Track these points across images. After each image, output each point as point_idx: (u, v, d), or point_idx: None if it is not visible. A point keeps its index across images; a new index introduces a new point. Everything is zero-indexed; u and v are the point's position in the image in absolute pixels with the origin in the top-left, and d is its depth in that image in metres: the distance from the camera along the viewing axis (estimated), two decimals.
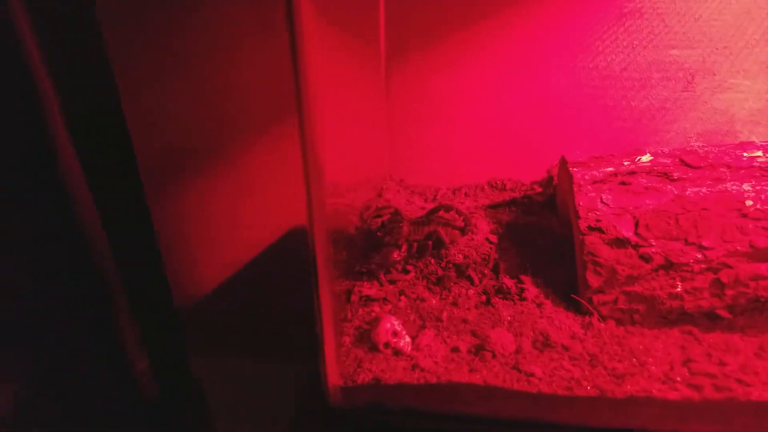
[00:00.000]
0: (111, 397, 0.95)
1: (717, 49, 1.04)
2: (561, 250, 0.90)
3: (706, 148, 0.85)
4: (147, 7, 1.06)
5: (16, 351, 0.86)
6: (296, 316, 0.79)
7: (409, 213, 1.03)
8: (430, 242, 0.90)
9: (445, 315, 0.79)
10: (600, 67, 1.08)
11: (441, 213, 0.96)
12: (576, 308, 0.81)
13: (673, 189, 0.81)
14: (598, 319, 0.78)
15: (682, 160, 0.84)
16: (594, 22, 1.05)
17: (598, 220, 0.79)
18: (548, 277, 0.86)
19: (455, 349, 0.74)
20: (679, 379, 0.70)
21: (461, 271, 0.88)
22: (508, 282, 0.84)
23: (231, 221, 1.26)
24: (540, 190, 1.08)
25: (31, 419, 0.88)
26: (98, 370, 0.92)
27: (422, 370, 0.71)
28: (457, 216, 0.95)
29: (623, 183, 0.82)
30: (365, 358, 0.73)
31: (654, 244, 0.78)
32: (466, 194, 1.12)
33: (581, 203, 0.81)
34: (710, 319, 0.79)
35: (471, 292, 0.85)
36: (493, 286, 0.85)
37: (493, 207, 1.04)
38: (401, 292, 0.85)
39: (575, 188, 0.83)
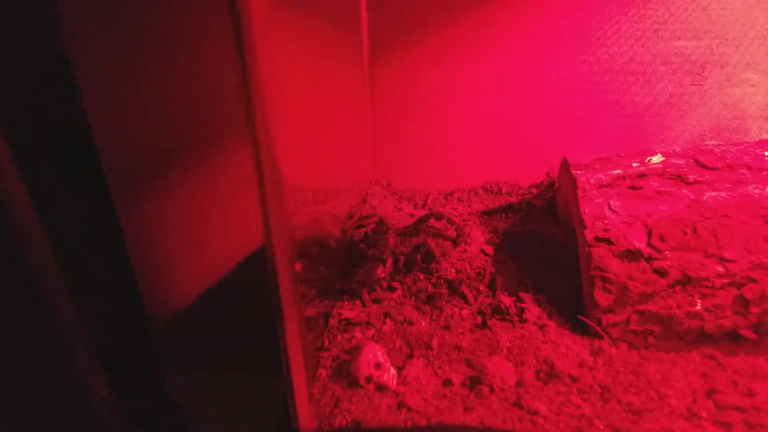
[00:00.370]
0: None
1: (726, 40, 0.97)
2: (564, 261, 0.81)
3: (722, 147, 0.76)
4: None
5: None
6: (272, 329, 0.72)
7: (396, 221, 0.94)
8: (418, 255, 0.81)
9: (435, 341, 0.70)
10: (602, 60, 1.01)
11: (431, 222, 0.86)
12: (583, 330, 0.72)
13: (689, 193, 0.72)
14: (609, 344, 0.69)
15: (697, 161, 0.75)
16: (595, 11, 0.97)
17: (606, 230, 0.71)
18: (551, 293, 0.77)
19: (447, 383, 0.65)
20: (704, 414, 0.61)
21: (454, 288, 0.79)
22: (507, 300, 0.75)
23: (206, 232, 1.17)
24: (539, 193, 0.99)
25: None
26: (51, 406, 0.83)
27: (409, 409, 0.61)
28: (448, 225, 0.86)
29: (633, 187, 0.74)
30: (344, 395, 0.64)
31: (669, 256, 0.69)
32: (459, 199, 1.03)
33: (587, 210, 0.72)
34: (732, 340, 0.70)
35: (465, 312, 0.76)
36: (490, 304, 0.76)
37: (489, 213, 0.95)
38: (386, 314, 0.75)
39: (579, 193, 0.74)
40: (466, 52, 1.02)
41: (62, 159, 0.82)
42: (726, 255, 0.68)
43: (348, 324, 0.74)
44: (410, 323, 0.74)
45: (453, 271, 0.80)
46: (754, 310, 0.68)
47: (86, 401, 0.83)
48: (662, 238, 0.69)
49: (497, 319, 0.74)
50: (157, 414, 1.02)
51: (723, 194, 0.71)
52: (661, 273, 0.69)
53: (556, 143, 1.04)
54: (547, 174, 1.00)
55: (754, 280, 0.68)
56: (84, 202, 0.87)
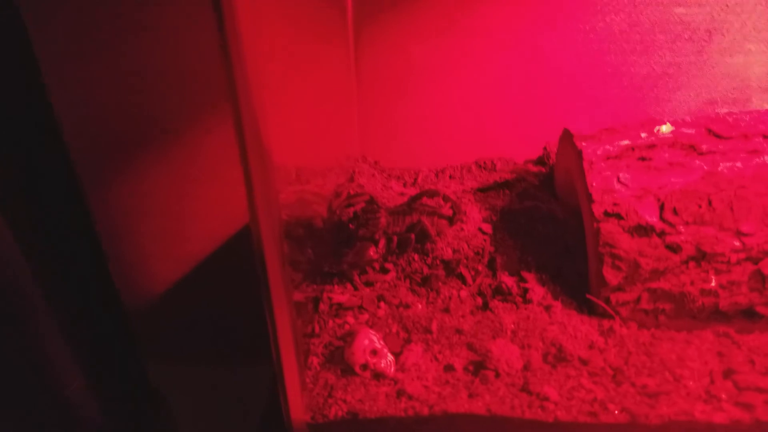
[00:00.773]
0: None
1: (727, 6, 0.93)
2: (566, 238, 0.76)
3: (735, 115, 0.72)
4: None
5: None
6: (261, 313, 0.67)
7: (386, 201, 0.88)
8: (412, 235, 0.76)
9: (434, 325, 0.65)
10: (598, 29, 0.96)
11: (425, 200, 0.81)
12: (590, 310, 0.68)
13: (703, 164, 0.67)
14: (620, 324, 0.65)
15: (709, 130, 0.70)
16: None
17: (615, 204, 0.66)
18: (555, 272, 0.73)
19: (449, 368, 0.60)
20: (724, 396, 0.57)
21: (451, 269, 0.74)
22: (508, 280, 0.71)
23: (184, 214, 1.11)
24: (535, 169, 0.95)
25: None
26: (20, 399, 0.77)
27: (410, 397, 0.57)
28: (443, 203, 0.81)
29: (642, 158, 0.69)
30: (338, 384, 0.59)
31: (683, 231, 0.65)
32: (451, 177, 0.98)
33: (594, 184, 0.67)
34: (747, 317, 0.67)
35: (464, 293, 0.71)
36: (490, 285, 0.71)
37: (484, 190, 0.90)
38: (380, 298, 0.70)
39: (586, 166, 0.69)
40: (455, 22, 0.97)
41: (21, 138, 0.75)
42: (742, 228, 0.64)
43: (339, 308, 0.69)
44: (406, 306, 0.69)
45: (449, 250, 0.75)
46: None
47: (59, 391, 0.78)
48: (675, 212, 0.65)
49: (499, 300, 0.69)
50: (138, 402, 0.97)
51: (738, 164, 0.67)
52: (674, 249, 0.64)
53: (551, 116, 0.99)
54: (545, 148, 0.95)
55: None
56: (49, 186, 0.81)
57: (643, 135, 0.71)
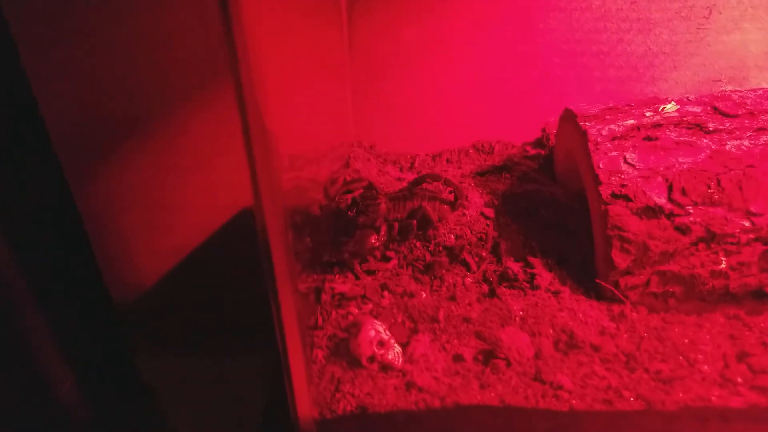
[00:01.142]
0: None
1: None
2: (569, 221, 0.75)
3: (740, 93, 0.71)
4: None
5: None
6: (254, 305, 0.65)
7: (384, 186, 0.86)
8: (414, 221, 0.74)
9: (441, 314, 0.63)
10: (594, 6, 0.94)
11: (425, 185, 0.79)
12: (598, 295, 0.66)
13: (710, 143, 0.66)
14: (630, 309, 0.64)
15: (715, 108, 0.69)
16: None
17: (623, 185, 0.64)
18: (561, 257, 0.71)
19: (458, 358, 0.59)
20: (740, 380, 0.56)
21: (454, 255, 0.72)
22: (514, 266, 0.69)
23: (171, 205, 1.08)
24: (534, 152, 0.93)
25: None
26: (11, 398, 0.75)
27: (420, 390, 0.55)
28: (444, 187, 0.79)
29: (648, 138, 0.67)
30: (345, 377, 0.57)
31: (692, 212, 0.63)
32: (448, 161, 0.96)
33: (601, 165, 0.66)
34: (756, 298, 0.66)
35: (468, 280, 0.69)
36: (495, 271, 0.70)
37: (482, 174, 0.88)
38: (383, 287, 0.68)
39: (591, 147, 0.67)
40: (450, 3, 0.95)
41: (3, 132, 0.72)
42: (752, 208, 0.63)
43: (342, 299, 0.67)
44: (411, 295, 0.67)
45: (452, 236, 0.73)
46: None
47: (50, 389, 0.75)
48: (684, 192, 0.63)
49: (506, 287, 0.67)
50: (128, 397, 0.94)
51: (746, 143, 0.65)
52: (684, 230, 0.63)
53: (547, 97, 0.98)
54: (543, 130, 0.93)
55: None
56: (33, 181, 0.78)
57: (648, 114, 0.70)
